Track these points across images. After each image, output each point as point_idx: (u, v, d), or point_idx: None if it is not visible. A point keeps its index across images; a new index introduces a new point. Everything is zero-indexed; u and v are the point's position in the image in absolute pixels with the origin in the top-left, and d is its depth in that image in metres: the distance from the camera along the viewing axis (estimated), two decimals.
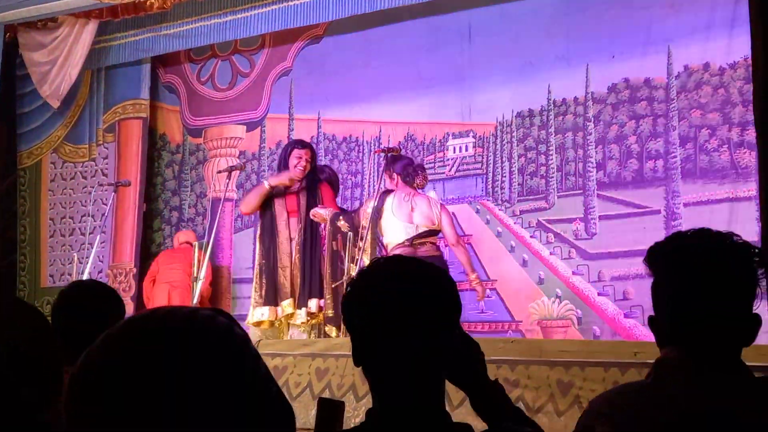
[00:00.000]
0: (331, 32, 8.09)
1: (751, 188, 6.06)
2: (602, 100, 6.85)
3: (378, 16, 7.38)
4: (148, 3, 8.02)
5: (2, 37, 8.81)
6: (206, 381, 0.87)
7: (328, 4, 7.29)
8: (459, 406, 3.86)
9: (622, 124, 6.76)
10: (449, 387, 1.57)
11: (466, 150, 7.43)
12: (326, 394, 4.79)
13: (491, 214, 7.23)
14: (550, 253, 6.89)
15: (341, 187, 7.38)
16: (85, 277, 6.84)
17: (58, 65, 8.52)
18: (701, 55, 6.48)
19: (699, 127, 6.46)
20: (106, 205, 8.12)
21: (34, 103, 8.91)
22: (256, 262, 6.54)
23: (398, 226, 6.03)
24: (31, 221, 9.01)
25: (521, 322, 6.90)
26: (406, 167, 6.09)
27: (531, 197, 7.08)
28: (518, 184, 7.16)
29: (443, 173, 7.50)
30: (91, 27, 8.39)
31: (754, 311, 1.65)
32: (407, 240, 6.00)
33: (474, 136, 7.40)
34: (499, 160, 7.26)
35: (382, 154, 6.35)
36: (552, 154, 7.02)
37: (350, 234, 6.07)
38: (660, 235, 6.55)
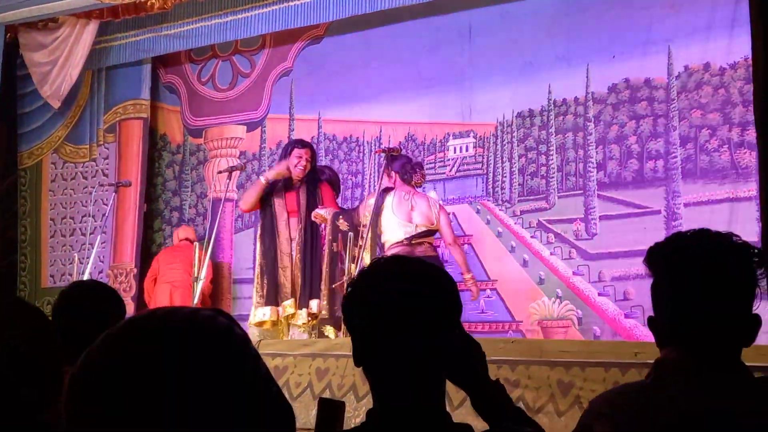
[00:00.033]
0: (331, 32, 8.09)
1: (751, 188, 6.06)
2: (602, 100, 6.85)
3: (378, 16, 7.38)
4: (148, 3, 8.02)
5: (3, 37, 8.80)
6: (206, 381, 0.87)
7: (329, 4, 7.29)
8: (459, 407, 3.86)
9: (622, 125, 6.76)
10: (449, 387, 1.57)
11: (467, 150, 7.43)
12: (327, 395, 4.79)
13: (492, 214, 7.23)
14: (551, 254, 6.89)
15: (342, 187, 7.38)
16: (85, 277, 6.84)
17: (58, 65, 8.52)
18: (701, 56, 6.48)
19: (699, 127, 6.46)
20: (106, 205, 8.12)
21: (34, 103, 8.92)
22: (257, 262, 6.54)
23: (397, 224, 6.04)
24: (31, 221, 9.02)
25: (522, 322, 6.90)
26: (404, 165, 6.11)
27: (531, 197, 7.08)
28: (519, 185, 7.16)
29: (444, 173, 7.50)
30: (92, 27, 8.40)
31: (753, 311, 1.65)
32: (405, 239, 6.02)
33: (474, 137, 7.40)
34: (500, 161, 7.26)
35: (383, 155, 6.36)
36: (552, 155, 7.02)
37: (351, 234, 6.07)
38: (660, 236, 6.53)
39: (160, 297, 7.67)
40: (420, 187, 6.24)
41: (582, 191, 6.86)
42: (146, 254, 8.40)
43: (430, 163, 7.50)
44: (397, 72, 7.67)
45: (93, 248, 7.36)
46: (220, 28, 7.91)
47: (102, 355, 0.90)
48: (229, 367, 0.90)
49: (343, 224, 6.15)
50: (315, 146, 7.07)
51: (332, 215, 6.22)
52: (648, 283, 1.75)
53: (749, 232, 5.66)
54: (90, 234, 8.32)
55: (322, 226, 6.34)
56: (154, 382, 0.86)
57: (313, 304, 6.23)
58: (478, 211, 7.32)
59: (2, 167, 8.87)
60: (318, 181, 6.53)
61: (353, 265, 5.87)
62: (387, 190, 6.16)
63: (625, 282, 6.50)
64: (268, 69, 8.47)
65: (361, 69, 7.88)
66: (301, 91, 8.27)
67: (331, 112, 8.08)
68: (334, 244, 6.18)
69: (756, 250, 1.64)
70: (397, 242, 6.02)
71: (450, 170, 7.49)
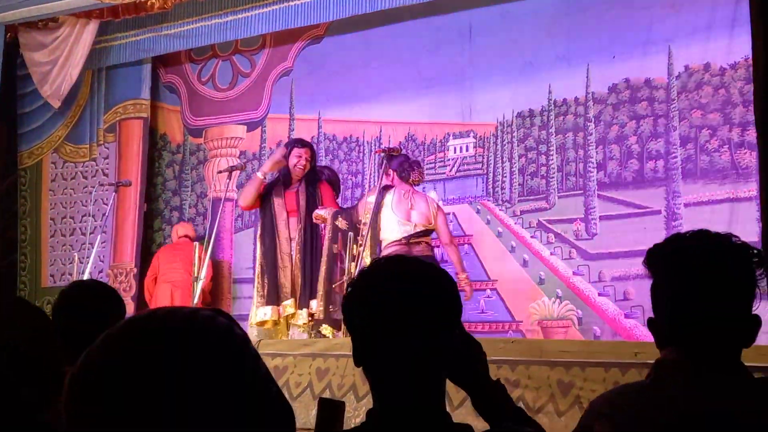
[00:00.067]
0: (331, 32, 8.09)
1: (751, 188, 6.06)
2: (603, 100, 6.85)
3: (378, 16, 7.38)
4: (148, 3, 8.02)
5: (3, 37, 8.81)
6: (206, 381, 0.87)
7: (329, 4, 7.29)
8: (459, 407, 3.86)
9: (622, 125, 6.76)
10: (449, 387, 1.57)
11: (467, 150, 7.43)
12: (327, 394, 4.79)
13: (492, 214, 7.23)
14: (551, 254, 6.89)
15: (342, 187, 7.38)
16: (85, 276, 6.84)
17: (58, 65, 8.52)
18: (702, 56, 6.48)
19: (699, 128, 6.46)
20: (106, 204, 8.12)
21: (34, 103, 8.92)
22: (258, 262, 6.55)
23: (396, 223, 6.05)
24: (31, 221, 9.02)
25: (522, 322, 6.90)
26: (402, 164, 6.13)
27: (531, 197, 7.08)
28: (519, 185, 7.16)
29: (444, 173, 7.50)
30: (92, 27, 8.40)
31: (753, 312, 1.65)
32: (404, 238, 6.03)
33: (474, 137, 7.40)
34: (500, 161, 7.26)
35: (383, 154, 6.36)
36: (552, 155, 7.02)
37: (351, 234, 6.08)
38: (660, 236, 6.54)
39: (160, 296, 7.67)
40: (418, 185, 6.25)
41: (582, 191, 6.86)
42: (146, 254, 8.40)
43: (430, 163, 7.50)
44: (397, 72, 7.68)
45: (93, 248, 7.36)
46: (220, 27, 7.91)
47: (102, 355, 0.89)
48: (229, 367, 0.90)
49: (342, 223, 6.16)
50: (315, 146, 7.08)
51: (332, 215, 6.23)
52: (648, 283, 1.75)
53: (749, 233, 5.67)
54: (90, 233, 8.33)
55: (322, 226, 6.34)
56: (154, 382, 0.86)
57: (314, 304, 6.23)
58: (478, 211, 7.32)
59: (2, 167, 8.87)
60: (317, 180, 6.53)
61: (353, 264, 5.87)
62: (387, 188, 6.17)
63: (625, 282, 6.50)
64: (269, 69, 8.47)
65: (361, 69, 7.88)
66: (301, 90, 8.27)
67: (331, 112, 8.08)
68: (335, 245, 6.19)
69: (755, 251, 1.64)
70: (395, 241, 6.04)
71: (450, 170, 7.49)
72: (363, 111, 7.90)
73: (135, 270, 8.31)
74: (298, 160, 6.38)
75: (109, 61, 8.64)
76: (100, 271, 8.35)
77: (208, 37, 8.06)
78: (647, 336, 4.79)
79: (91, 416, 0.86)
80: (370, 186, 7.65)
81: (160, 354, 0.88)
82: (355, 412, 4.48)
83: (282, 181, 6.49)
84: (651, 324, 1.72)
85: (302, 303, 6.28)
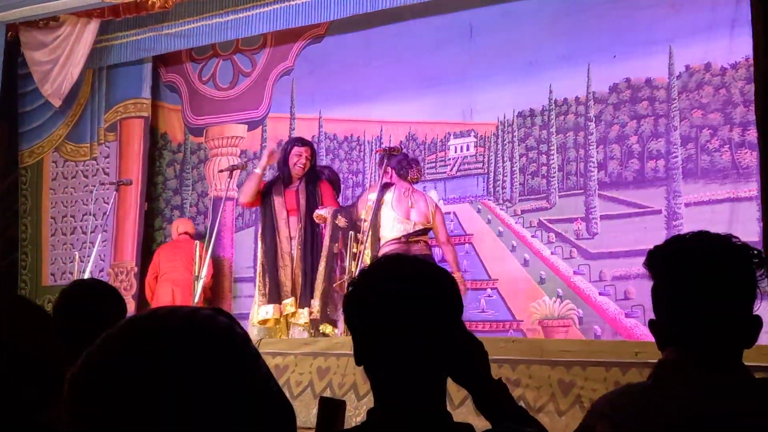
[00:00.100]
0: (332, 32, 8.09)
1: (752, 188, 6.06)
2: (603, 99, 6.85)
3: (379, 15, 7.38)
4: (149, 2, 8.03)
5: (4, 36, 8.81)
6: (206, 381, 0.87)
7: (330, 3, 7.29)
8: (460, 406, 3.87)
9: (623, 124, 6.76)
10: (450, 386, 1.57)
11: (468, 149, 7.43)
12: (327, 393, 4.79)
13: (492, 213, 7.23)
14: (552, 253, 6.89)
15: (342, 186, 7.39)
16: (86, 275, 6.84)
17: (59, 64, 8.52)
18: (703, 55, 6.47)
19: (700, 127, 6.46)
20: (107, 203, 8.12)
21: (35, 102, 8.92)
22: (259, 261, 6.55)
23: (395, 221, 6.06)
24: (32, 220, 9.02)
25: (522, 321, 6.90)
26: (400, 161, 6.15)
27: (532, 197, 7.08)
28: (519, 184, 7.16)
29: (444, 173, 7.50)
30: (93, 26, 8.40)
31: (755, 313, 1.65)
32: (403, 236, 6.04)
33: (475, 136, 7.40)
34: (501, 160, 7.26)
35: (383, 153, 6.36)
36: (553, 154, 7.02)
37: (352, 233, 6.09)
38: (661, 235, 6.55)
39: (162, 294, 7.67)
40: (416, 182, 6.27)
41: (583, 191, 6.86)
42: (147, 253, 8.39)
43: (431, 163, 7.50)
44: (398, 71, 7.67)
45: (94, 247, 7.36)
46: (221, 27, 7.91)
47: (102, 355, 0.90)
48: (230, 366, 0.90)
49: (341, 221, 6.17)
50: (316, 145, 7.08)
51: (331, 213, 6.23)
52: (648, 283, 1.75)
53: (750, 232, 5.67)
54: (91, 233, 8.32)
55: (322, 225, 6.34)
56: (154, 381, 0.86)
57: (314, 303, 6.23)
58: (478, 211, 7.32)
59: (3, 166, 8.88)
60: (318, 179, 6.53)
61: (354, 263, 5.88)
62: (387, 185, 6.17)
63: (625, 281, 6.50)
64: (269, 68, 8.47)
65: (362, 68, 7.88)
66: (301, 90, 8.27)
67: (332, 111, 8.08)
68: (335, 245, 6.19)
69: (756, 252, 1.64)
70: (394, 239, 6.04)
71: (451, 170, 7.48)
72: (364, 110, 7.90)
73: (136, 269, 8.31)
74: (298, 159, 6.38)
75: (110, 60, 8.64)
76: (101, 270, 8.35)
77: (208, 37, 8.06)
78: (648, 335, 4.79)
79: (92, 416, 0.87)
80: (370, 185, 7.65)
81: (160, 354, 0.88)
82: (356, 411, 4.48)
83: (282, 179, 6.49)
84: (652, 325, 1.72)
85: (303, 302, 6.28)
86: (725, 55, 6.37)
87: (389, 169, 6.14)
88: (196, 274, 6.33)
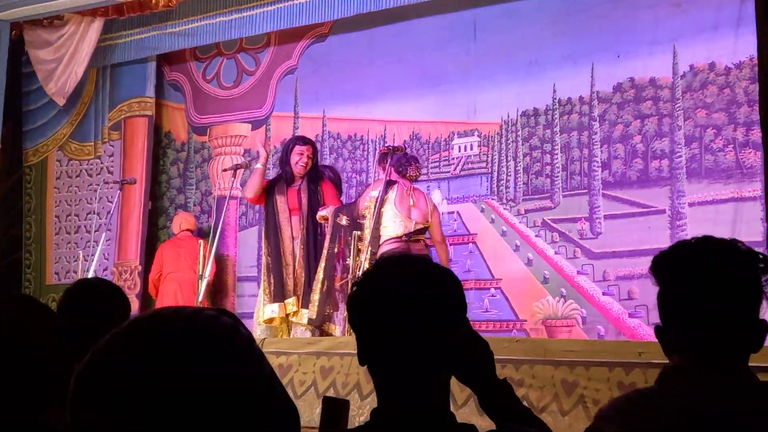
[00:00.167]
0: (336, 31, 8.09)
1: (756, 188, 6.05)
2: (607, 99, 6.85)
3: (383, 14, 7.38)
4: (153, 1, 8.03)
5: (8, 34, 8.83)
6: (210, 381, 0.87)
7: (334, 2, 7.29)
8: (463, 406, 3.87)
9: (627, 124, 6.75)
10: (454, 386, 1.57)
11: (471, 149, 7.43)
12: (331, 393, 4.80)
13: (496, 213, 7.23)
14: (555, 253, 6.88)
15: (345, 185, 7.39)
16: (90, 274, 6.86)
17: (63, 63, 8.54)
18: (707, 55, 6.46)
19: (704, 127, 6.45)
20: (111, 202, 8.12)
21: (39, 100, 8.93)
22: (264, 260, 6.56)
23: (397, 219, 6.06)
24: (36, 219, 9.03)
25: (526, 321, 6.90)
26: (399, 159, 6.17)
27: (536, 196, 7.07)
28: (523, 183, 7.15)
29: (448, 172, 7.49)
30: (97, 25, 8.41)
31: (761, 317, 1.65)
32: (404, 235, 6.04)
33: (479, 135, 7.40)
34: (504, 159, 7.26)
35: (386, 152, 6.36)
36: (557, 154, 7.02)
37: (356, 233, 6.09)
38: (665, 235, 6.54)
39: (166, 293, 7.67)
40: (415, 180, 6.28)
41: (587, 190, 6.85)
42: (151, 251, 8.39)
43: (435, 162, 7.50)
44: (401, 70, 7.67)
45: (98, 245, 7.37)
46: (225, 26, 7.92)
47: (106, 355, 0.90)
48: (233, 367, 0.90)
49: (343, 219, 6.17)
50: (319, 144, 7.08)
51: (333, 212, 6.24)
52: (652, 282, 1.75)
53: (754, 232, 5.67)
54: (95, 231, 8.33)
55: (324, 224, 6.35)
56: (158, 382, 0.86)
57: (312, 302, 6.23)
58: (482, 210, 7.31)
59: (7, 164, 8.89)
60: (319, 178, 6.53)
61: (357, 261, 5.89)
62: (390, 183, 6.18)
63: (629, 281, 6.50)
64: (273, 67, 8.47)
65: (365, 67, 7.88)
66: (305, 89, 8.27)
67: (335, 110, 8.08)
68: (335, 245, 6.19)
69: (761, 256, 1.64)
70: (395, 237, 6.05)
71: (454, 169, 7.48)
72: (367, 109, 7.90)
73: (140, 267, 8.31)
74: (299, 158, 6.39)
75: (114, 58, 8.65)
76: (105, 269, 8.36)
77: (212, 36, 8.06)
78: (651, 335, 4.78)
79: (95, 416, 0.87)
80: (372, 183, 7.66)
81: (164, 354, 0.88)
82: (360, 411, 4.48)
83: (284, 178, 6.49)
84: (658, 331, 1.72)
85: (305, 301, 6.28)
86: (729, 54, 6.36)
87: (389, 167, 6.14)
88: (200, 273, 6.33)
